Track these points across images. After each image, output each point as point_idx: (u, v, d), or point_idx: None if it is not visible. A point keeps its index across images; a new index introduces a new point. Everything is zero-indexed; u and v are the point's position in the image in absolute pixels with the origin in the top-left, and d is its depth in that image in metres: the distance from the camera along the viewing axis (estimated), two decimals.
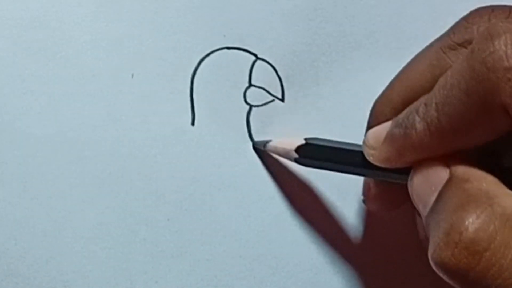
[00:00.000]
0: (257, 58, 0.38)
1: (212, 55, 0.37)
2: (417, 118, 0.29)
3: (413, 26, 0.39)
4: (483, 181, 0.27)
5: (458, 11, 0.38)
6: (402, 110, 0.31)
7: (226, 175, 0.37)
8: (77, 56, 0.37)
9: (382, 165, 0.31)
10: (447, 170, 0.28)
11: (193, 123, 0.37)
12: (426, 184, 0.29)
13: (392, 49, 0.38)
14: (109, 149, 0.37)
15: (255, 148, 0.37)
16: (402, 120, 0.30)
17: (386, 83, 0.38)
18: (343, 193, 0.37)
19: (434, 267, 0.26)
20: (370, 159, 0.31)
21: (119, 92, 0.37)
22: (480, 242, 0.25)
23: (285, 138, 0.35)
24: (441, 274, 0.26)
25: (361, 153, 0.32)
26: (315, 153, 0.33)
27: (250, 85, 0.38)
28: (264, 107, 0.38)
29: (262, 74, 0.38)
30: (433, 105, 0.28)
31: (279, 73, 0.38)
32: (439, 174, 0.28)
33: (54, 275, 0.36)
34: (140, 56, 0.37)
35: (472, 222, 0.25)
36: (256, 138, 0.38)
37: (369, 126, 0.33)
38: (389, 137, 0.30)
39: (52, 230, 0.36)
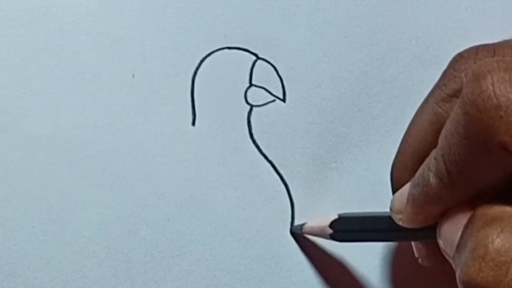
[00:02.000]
0: (258, 58, 0.38)
1: (213, 55, 0.38)
2: (430, 174, 0.29)
3: (414, 26, 0.39)
4: (507, 207, 0.27)
5: (458, 11, 0.38)
6: (417, 169, 0.31)
7: (226, 175, 0.37)
8: (77, 56, 0.37)
9: (412, 226, 0.31)
10: (470, 210, 0.28)
11: (193, 124, 0.37)
12: (453, 226, 0.29)
13: (394, 49, 0.38)
14: (110, 149, 0.37)
15: (292, 233, 0.37)
16: (418, 179, 0.30)
17: (387, 84, 0.38)
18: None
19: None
20: (400, 223, 0.32)
21: (119, 92, 0.37)
22: (506, 253, 0.25)
23: (319, 218, 0.36)
24: None
25: (391, 218, 0.33)
26: (349, 225, 0.34)
27: (251, 85, 0.38)
28: (265, 107, 0.38)
29: (263, 74, 0.38)
30: (440, 158, 0.28)
31: (280, 73, 0.38)
32: (464, 214, 0.28)
33: (54, 275, 0.36)
34: (141, 56, 0.37)
35: (496, 236, 0.25)
36: (257, 139, 0.38)
37: (393, 192, 0.34)
38: (411, 198, 0.31)
39: (52, 230, 0.36)
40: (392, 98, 0.38)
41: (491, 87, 0.26)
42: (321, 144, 0.37)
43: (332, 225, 0.34)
